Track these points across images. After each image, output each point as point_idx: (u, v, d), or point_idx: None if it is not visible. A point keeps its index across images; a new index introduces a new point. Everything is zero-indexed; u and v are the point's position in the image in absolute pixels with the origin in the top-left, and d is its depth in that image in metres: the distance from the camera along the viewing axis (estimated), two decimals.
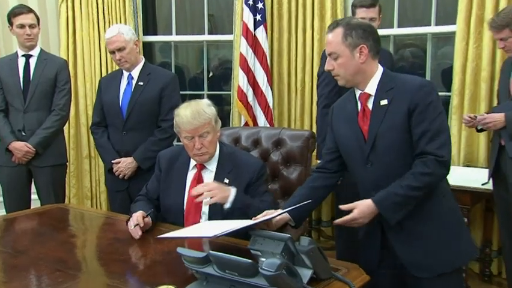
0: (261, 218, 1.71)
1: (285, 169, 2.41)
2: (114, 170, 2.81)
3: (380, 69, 1.79)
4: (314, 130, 3.54)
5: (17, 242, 1.91)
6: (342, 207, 1.73)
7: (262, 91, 3.71)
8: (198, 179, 2.07)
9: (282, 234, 1.35)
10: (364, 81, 1.78)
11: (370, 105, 1.78)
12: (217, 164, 2.07)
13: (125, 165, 2.79)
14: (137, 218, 1.90)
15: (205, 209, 2.02)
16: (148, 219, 1.95)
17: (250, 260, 1.22)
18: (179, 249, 1.37)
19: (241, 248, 1.76)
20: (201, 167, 2.08)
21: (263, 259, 1.33)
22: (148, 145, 2.78)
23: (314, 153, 2.92)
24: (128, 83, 2.83)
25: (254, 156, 2.33)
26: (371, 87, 1.78)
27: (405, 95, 1.70)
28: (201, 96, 4.35)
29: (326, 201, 3.77)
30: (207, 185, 1.88)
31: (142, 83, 2.80)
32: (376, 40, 1.78)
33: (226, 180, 2.01)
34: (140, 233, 1.87)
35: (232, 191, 1.89)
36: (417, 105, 1.68)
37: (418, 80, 1.76)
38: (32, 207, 2.98)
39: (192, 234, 1.76)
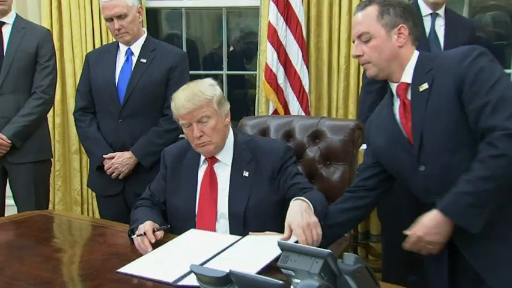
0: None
1: (324, 168, 2.41)
2: (106, 167, 2.82)
3: (415, 54, 1.83)
4: None
5: None
6: (407, 232, 1.74)
7: (295, 71, 3.71)
8: (211, 175, 2.13)
9: (321, 249, 1.35)
10: (399, 70, 1.82)
11: (409, 96, 1.81)
12: (233, 154, 2.12)
13: (121, 160, 2.80)
14: (145, 229, 1.93)
15: (223, 209, 2.08)
16: (160, 234, 1.97)
17: (281, 281, 1.22)
18: (193, 267, 1.38)
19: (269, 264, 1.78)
20: (213, 160, 2.13)
21: (297, 280, 1.33)
22: (150, 137, 2.81)
23: (361, 148, 2.91)
24: (127, 60, 2.86)
25: (276, 139, 2.36)
26: (408, 75, 1.81)
27: (448, 72, 1.71)
28: (218, 78, 4.37)
29: (375, 210, 3.73)
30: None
31: (145, 61, 2.83)
32: (416, 24, 1.83)
33: (246, 173, 2.07)
34: (149, 248, 1.89)
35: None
36: (464, 77, 1.67)
37: (460, 49, 1.76)
38: (6, 215, 3.02)
39: (162, 268, 1.73)
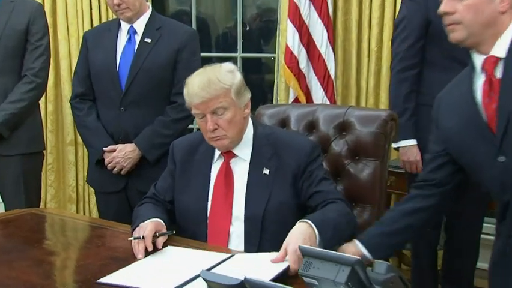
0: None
1: (352, 164, 2.40)
2: (106, 161, 2.84)
3: None
4: None
5: None
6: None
7: (320, 53, 3.72)
8: (226, 173, 2.12)
9: (349, 256, 1.35)
10: (492, 40, 1.77)
11: (499, 73, 1.76)
12: (252, 149, 2.12)
13: (123, 154, 2.81)
14: (145, 233, 1.91)
15: (237, 212, 2.07)
16: (162, 240, 1.96)
17: None
18: (204, 274, 1.39)
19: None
20: (229, 155, 2.12)
21: None
22: (156, 127, 2.82)
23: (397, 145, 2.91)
24: (129, 40, 2.87)
25: (302, 134, 2.35)
26: (500, 48, 1.76)
27: None
28: (232, 60, 4.37)
29: None
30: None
31: (149, 40, 2.84)
32: None
33: (266, 171, 2.08)
34: (141, 255, 1.88)
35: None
36: None
37: None
38: None
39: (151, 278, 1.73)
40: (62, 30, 4.10)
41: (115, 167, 2.83)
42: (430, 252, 3.05)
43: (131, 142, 2.83)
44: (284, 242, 1.80)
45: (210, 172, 2.14)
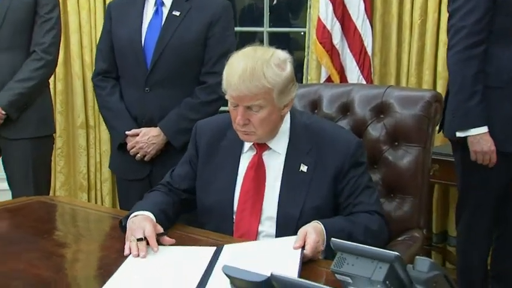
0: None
1: (390, 151, 2.39)
2: (129, 146, 2.85)
3: None
4: (440, 89, 3.48)
5: None
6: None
7: (356, 27, 3.71)
8: (258, 166, 2.09)
9: (387, 251, 1.34)
10: None
11: None
12: (289, 142, 2.09)
13: (147, 139, 2.81)
14: (147, 234, 1.89)
15: (269, 211, 2.05)
16: (171, 241, 1.96)
17: None
18: (226, 269, 1.39)
19: (319, 269, 1.78)
20: (262, 147, 2.10)
21: None
22: (183, 110, 2.82)
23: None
24: (156, 12, 2.85)
25: (345, 128, 2.33)
26: None
27: None
28: (257, 36, 4.36)
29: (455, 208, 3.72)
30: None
31: (178, 13, 2.82)
32: None
33: (304, 167, 2.04)
34: (144, 253, 1.85)
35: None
36: None
37: None
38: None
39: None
40: (71, 2, 4.12)
41: (138, 153, 2.84)
42: (479, 250, 3.02)
43: (155, 126, 2.83)
44: (300, 231, 1.84)
45: (239, 164, 2.11)
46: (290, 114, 2.12)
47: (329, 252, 1.84)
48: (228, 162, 2.13)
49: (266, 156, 2.09)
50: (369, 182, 2.11)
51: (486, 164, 2.76)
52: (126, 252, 1.86)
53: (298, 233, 1.84)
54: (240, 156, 2.12)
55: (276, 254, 1.81)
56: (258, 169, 2.08)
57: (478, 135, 2.73)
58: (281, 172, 2.07)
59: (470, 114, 2.71)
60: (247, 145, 2.12)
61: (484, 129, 2.73)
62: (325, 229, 1.87)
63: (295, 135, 2.09)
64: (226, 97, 2.01)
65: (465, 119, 2.74)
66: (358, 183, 2.05)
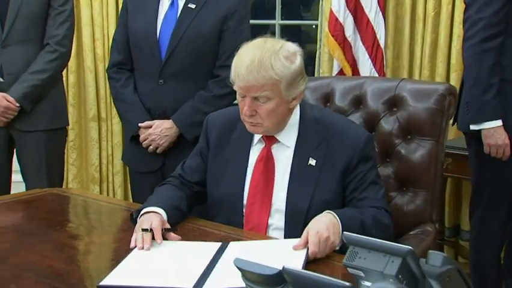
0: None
1: (403, 144, 2.38)
2: (141, 138, 2.85)
3: None
4: (454, 81, 3.46)
5: None
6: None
7: (368, 20, 3.70)
8: (267, 160, 2.08)
9: (400, 245, 1.34)
10: None
11: None
12: (298, 135, 2.08)
13: (159, 131, 2.82)
14: (153, 226, 1.90)
15: (279, 203, 2.05)
16: (177, 237, 1.96)
17: (347, 283, 1.22)
18: (238, 262, 1.39)
19: (331, 263, 1.78)
20: (271, 140, 2.09)
21: (367, 283, 1.32)
22: (196, 103, 2.82)
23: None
24: (172, 5, 2.84)
25: (355, 122, 2.32)
26: None
27: None
28: (269, 29, 4.35)
29: (469, 199, 3.69)
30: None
31: (194, 6, 2.81)
32: None
33: (312, 161, 2.03)
34: (148, 245, 1.86)
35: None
36: None
37: None
38: (13, 193, 3.10)
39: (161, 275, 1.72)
40: None
41: (150, 145, 2.84)
42: (493, 245, 3.00)
43: (169, 118, 2.84)
44: (306, 228, 1.83)
45: (248, 156, 2.11)
46: (300, 107, 2.11)
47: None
48: (237, 154, 2.13)
49: (275, 149, 2.09)
50: (376, 177, 2.09)
51: (500, 158, 2.74)
52: (132, 244, 1.88)
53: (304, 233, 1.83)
54: (249, 148, 2.12)
55: (281, 252, 1.82)
56: (267, 162, 2.08)
57: (492, 129, 2.72)
58: (290, 165, 2.07)
59: (485, 107, 2.69)
60: (256, 138, 2.12)
61: (499, 122, 2.72)
62: (339, 218, 1.87)
63: (304, 129, 2.09)
64: (234, 87, 2.01)
65: (480, 112, 2.73)
66: (365, 178, 2.04)
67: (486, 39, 2.69)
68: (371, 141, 2.11)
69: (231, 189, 2.10)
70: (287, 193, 2.05)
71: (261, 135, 2.10)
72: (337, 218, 1.87)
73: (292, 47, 2.02)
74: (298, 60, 2.01)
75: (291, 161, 2.07)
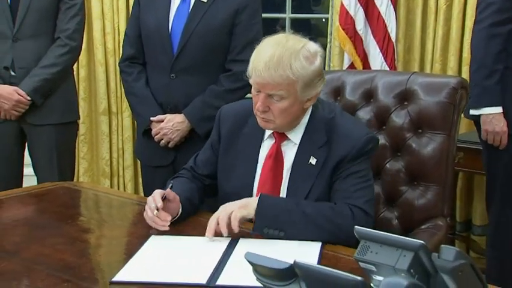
0: None
1: (414, 138, 2.37)
2: (153, 132, 2.85)
3: None
4: (466, 75, 3.45)
5: (4, 238, 1.97)
6: None
7: (379, 13, 3.69)
8: (276, 157, 2.08)
9: (412, 240, 1.33)
10: None
11: None
12: (304, 133, 2.08)
13: (171, 125, 2.81)
14: (154, 199, 1.96)
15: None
16: (175, 198, 2.01)
17: (359, 277, 1.22)
18: (249, 256, 1.39)
19: (341, 255, 1.79)
20: (281, 137, 2.09)
21: (379, 277, 1.31)
22: (208, 98, 2.82)
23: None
24: (183, 0, 2.83)
25: (362, 124, 2.30)
26: None
27: None
28: (279, 22, 4.35)
29: (480, 193, 3.69)
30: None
31: (205, 0, 2.79)
32: None
33: (313, 160, 2.03)
34: (168, 221, 1.95)
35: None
36: None
37: None
38: (24, 186, 3.12)
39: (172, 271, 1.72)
40: None
41: (162, 139, 2.84)
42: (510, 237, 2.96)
43: (180, 112, 2.83)
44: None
45: (258, 151, 2.11)
46: (312, 106, 2.10)
47: (262, 220, 1.90)
48: (248, 149, 2.13)
49: (285, 146, 2.09)
50: (363, 171, 2.04)
51: (497, 146, 2.73)
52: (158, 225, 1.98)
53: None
54: (260, 143, 2.12)
55: (293, 249, 1.82)
56: (276, 159, 2.08)
57: (491, 115, 2.74)
58: (292, 161, 2.07)
59: (486, 92, 2.69)
60: (267, 133, 2.12)
61: (499, 109, 2.73)
62: (262, 198, 1.93)
63: (312, 127, 2.07)
64: (250, 81, 2.00)
65: (481, 97, 2.73)
66: (348, 171, 2.01)
67: (496, 24, 2.70)
68: (370, 141, 2.06)
69: (241, 184, 2.11)
70: (286, 190, 2.06)
71: (271, 131, 2.10)
72: (258, 197, 1.93)
73: (313, 47, 2.01)
74: (318, 61, 1.99)
75: (293, 159, 2.07)
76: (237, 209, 1.90)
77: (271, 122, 2.01)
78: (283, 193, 2.06)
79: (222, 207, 1.93)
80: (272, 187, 2.07)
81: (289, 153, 2.08)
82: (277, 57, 1.92)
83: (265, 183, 2.08)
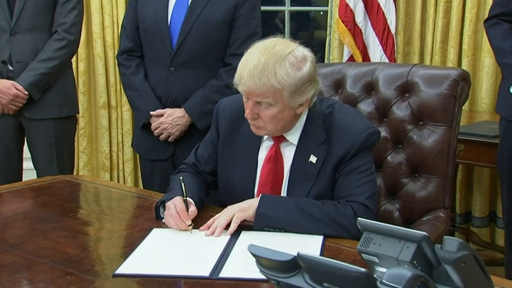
0: None
1: (415, 130, 2.37)
2: (153, 126, 2.85)
3: None
4: (465, 67, 3.46)
5: (5, 231, 1.97)
6: None
7: (379, 5, 3.70)
8: (276, 158, 2.07)
9: (415, 231, 1.33)
10: None
11: None
12: (302, 131, 2.06)
13: (171, 119, 2.81)
14: (183, 216, 1.93)
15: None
16: (194, 209, 1.99)
17: (362, 269, 1.22)
18: (252, 248, 1.39)
19: (343, 247, 1.79)
20: (279, 139, 2.07)
21: (382, 269, 1.32)
22: (208, 92, 2.81)
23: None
24: None
25: (362, 117, 2.26)
26: None
27: None
28: (279, 15, 4.34)
29: (480, 185, 3.70)
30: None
31: None
32: None
33: (313, 159, 2.01)
34: (189, 221, 1.93)
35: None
36: None
37: None
38: (24, 180, 3.13)
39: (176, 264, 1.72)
40: None
41: (162, 134, 2.84)
42: None
43: (180, 106, 2.83)
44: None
45: (257, 153, 2.10)
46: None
47: (261, 224, 1.92)
48: (247, 151, 2.12)
49: (283, 147, 2.08)
50: (365, 166, 2.02)
51: None
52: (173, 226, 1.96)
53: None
54: (259, 143, 2.11)
55: (295, 241, 1.83)
56: (275, 161, 2.06)
57: None
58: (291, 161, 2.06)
59: None
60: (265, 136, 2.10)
61: None
62: (261, 200, 1.94)
63: (310, 125, 2.05)
64: (238, 89, 1.98)
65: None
66: (351, 167, 2.00)
67: (496, 16, 2.70)
68: (371, 136, 2.04)
69: (241, 186, 2.11)
70: (287, 189, 2.05)
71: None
72: (259, 198, 1.95)
73: (301, 52, 1.96)
74: (306, 67, 1.95)
75: (292, 158, 2.06)
76: (238, 213, 1.91)
77: (262, 128, 2.00)
78: (283, 194, 2.06)
79: (224, 210, 1.94)
80: (272, 189, 2.06)
81: (288, 154, 2.07)
82: (262, 65, 1.89)
83: (265, 185, 2.07)
